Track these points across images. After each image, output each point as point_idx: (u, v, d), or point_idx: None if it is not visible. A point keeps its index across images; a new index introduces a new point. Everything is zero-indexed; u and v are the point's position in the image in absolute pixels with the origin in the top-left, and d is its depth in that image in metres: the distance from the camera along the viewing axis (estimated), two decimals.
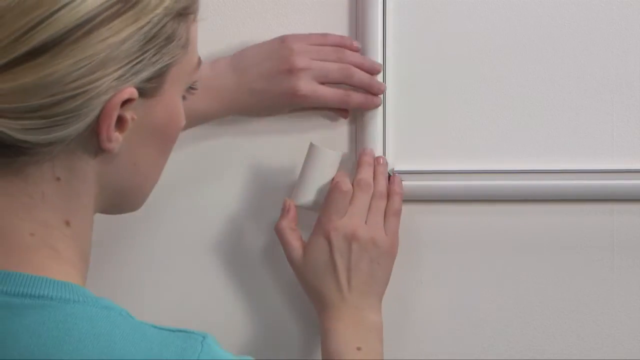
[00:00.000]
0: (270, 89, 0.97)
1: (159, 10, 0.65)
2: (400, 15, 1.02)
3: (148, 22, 0.64)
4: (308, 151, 0.98)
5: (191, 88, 0.73)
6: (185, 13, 0.68)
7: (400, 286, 1.05)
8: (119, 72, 0.63)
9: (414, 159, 1.02)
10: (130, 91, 0.64)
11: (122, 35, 0.63)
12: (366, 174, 0.98)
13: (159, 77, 0.67)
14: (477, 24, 1.03)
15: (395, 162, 1.03)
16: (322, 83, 0.98)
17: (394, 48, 1.02)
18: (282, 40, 0.98)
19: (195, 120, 0.96)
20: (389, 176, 1.01)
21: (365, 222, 0.95)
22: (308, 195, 0.98)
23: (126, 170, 0.69)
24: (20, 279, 0.63)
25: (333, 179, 0.97)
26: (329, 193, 0.96)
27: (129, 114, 0.65)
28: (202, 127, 1.01)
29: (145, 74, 0.65)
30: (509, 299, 1.04)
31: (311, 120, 1.04)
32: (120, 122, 0.65)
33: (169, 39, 0.66)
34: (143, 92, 0.66)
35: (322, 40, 0.99)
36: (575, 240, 1.03)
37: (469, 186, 1.02)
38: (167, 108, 0.69)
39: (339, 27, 1.03)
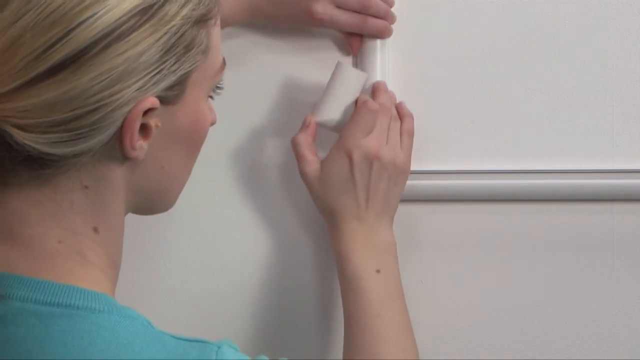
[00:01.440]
0: (288, 5, 0.96)
1: (177, 20, 0.66)
2: (400, 15, 1.02)
3: (166, 33, 0.65)
4: (335, 69, 0.97)
5: (217, 88, 0.73)
6: (204, 19, 0.69)
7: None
8: (139, 84, 0.64)
9: (414, 158, 1.02)
10: (152, 101, 0.65)
11: (139, 48, 0.63)
12: (384, 97, 0.97)
13: (179, 84, 0.67)
14: (477, 23, 1.03)
15: None
16: (339, 7, 0.97)
17: (394, 48, 1.02)
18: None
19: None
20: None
21: (383, 141, 0.94)
22: (331, 112, 0.96)
23: (154, 174, 0.70)
24: (49, 287, 0.64)
25: (358, 99, 0.96)
26: (357, 110, 0.94)
27: (152, 122, 0.66)
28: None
29: (165, 83, 0.66)
30: (509, 298, 1.04)
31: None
32: (145, 130, 0.66)
33: (189, 47, 0.67)
34: (165, 100, 0.66)
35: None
36: (575, 240, 1.03)
37: (469, 186, 1.02)
38: (191, 112, 0.70)
39: None
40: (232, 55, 1.03)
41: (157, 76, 0.65)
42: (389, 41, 1.02)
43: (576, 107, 1.02)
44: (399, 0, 1.02)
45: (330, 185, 0.93)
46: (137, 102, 0.64)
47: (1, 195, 0.66)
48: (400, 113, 0.99)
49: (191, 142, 0.72)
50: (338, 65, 0.97)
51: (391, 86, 1.02)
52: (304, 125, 0.96)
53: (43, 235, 0.66)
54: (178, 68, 0.66)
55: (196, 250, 1.07)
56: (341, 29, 0.99)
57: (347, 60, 1.03)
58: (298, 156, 0.95)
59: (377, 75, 1.01)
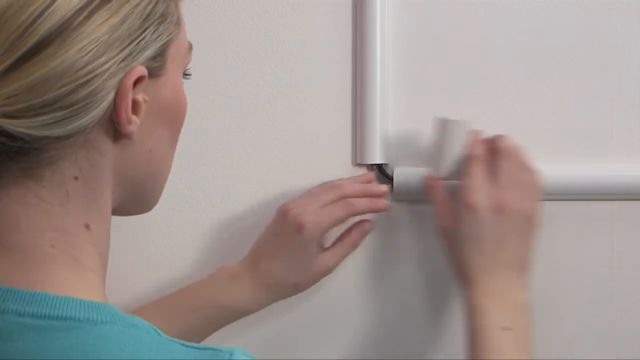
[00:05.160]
0: (288, 247, 0.95)
1: None
2: (400, 14, 1.02)
3: (142, 0, 0.65)
4: (437, 125, 0.96)
5: (186, 74, 0.73)
6: None
7: (401, 286, 1.05)
8: (125, 52, 0.64)
9: (414, 158, 1.02)
10: (141, 69, 0.65)
11: (120, 15, 0.63)
12: (506, 141, 0.93)
13: (161, 55, 0.67)
14: (476, 23, 1.03)
15: (395, 162, 1.03)
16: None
17: (394, 48, 1.02)
18: (279, 209, 0.97)
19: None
20: None
21: (512, 192, 0.90)
22: (447, 167, 0.96)
23: (142, 158, 0.69)
24: (47, 300, 0.62)
25: (467, 151, 0.94)
26: (465, 164, 0.93)
27: (140, 96, 0.66)
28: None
29: (149, 52, 0.66)
30: None
31: (310, 126, 1.05)
32: (134, 105, 0.66)
33: (164, 16, 0.67)
34: (150, 72, 0.66)
35: (317, 189, 0.98)
36: (575, 240, 1.03)
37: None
38: (173, 87, 0.70)
39: (339, 26, 1.03)
40: (231, 55, 1.04)
41: (141, 44, 0.65)
42: (389, 41, 1.02)
43: (576, 107, 1.02)
44: (399, 0, 1.02)
45: (460, 240, 0.92)
46: (127, 71, 0.64)
47: None
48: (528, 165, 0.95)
49: (174, 121, 0.72)
50: (439, 121, 0.97)
51: (391, 86, 1.02)
52: (429, 188, 0.96)
53: (35, 240, 0.64)
54: (158, 37, 0.66)
55: (197, 252, 1.07)
56: (337, 221, 0.96)
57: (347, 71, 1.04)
58: (434, 214, 0.96)
59: (377, 75, 1.01)
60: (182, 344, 0.63)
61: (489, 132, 1.02)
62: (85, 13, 0.62)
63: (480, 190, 0.91)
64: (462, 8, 1.03)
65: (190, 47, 0.73)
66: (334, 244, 0.98)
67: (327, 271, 0.97)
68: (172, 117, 0.71)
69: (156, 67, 0.67)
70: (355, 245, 0.98)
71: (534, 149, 1.02)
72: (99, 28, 0.62)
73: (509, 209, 0.90)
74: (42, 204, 0.65)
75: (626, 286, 1.03)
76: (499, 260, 0.90)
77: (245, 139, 1.05)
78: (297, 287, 0.96)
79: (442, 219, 0.95)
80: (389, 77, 1.02)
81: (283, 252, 0.95)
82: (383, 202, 0.98)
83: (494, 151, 0.93)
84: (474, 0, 1.03)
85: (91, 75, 0.62)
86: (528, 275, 0.92)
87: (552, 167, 1.01)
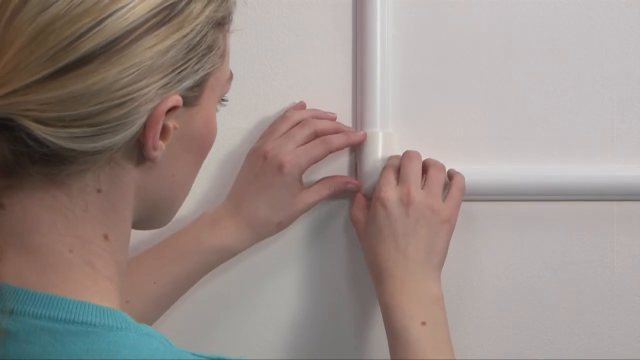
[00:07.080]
0: (269, 185, 0.97)
1: (201, 19, 0.66)
2: (400, 14, 1.02)
3: (192, 30, 0.65)
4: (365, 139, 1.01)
5: (222, 100, 0.74)
6: (223, 23, 0.69)
7: None
8: (165, 80, 0.63)
9: None
10: (176, 99, 0.65)
11: (167, 43, 0.63)
12: (412, 150, 0.99)
13: (199, 85, 0.67)
14: (477, 23, 1.03)
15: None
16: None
17: (394, 48, 1.02)
18: (255, 151, 1.00)
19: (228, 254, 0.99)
20: None
21: (422, 189, 0.95)
22: (371, 179, 1.00)
23: (165, 181, 0.69)
24: (64, 304, 0.62)
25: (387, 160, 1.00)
26: (381, 172, 0.99)
27: (171, 123, 0.66)
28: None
29: (188, 82, 0.66)
30: (509, 299, 1.04)
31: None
32: (163, 131, 0.65)
33: (210, 48, 0.67)
34: (185, 101, 0.66)
35: (285, 125, 1.00)
36: (575, 240, 1.03)
37: (469, 186, 1.01)
38: (205, 117, 0.70)
39: (339, 26, 1.03)
40: (231, 55, 1.03)
41: (182, 74, 0.65)
42: (389, 41, 1.02)
43: (576, 107, 1.03)
44: (399, 0, 1.02)
45: (373, 237, 0.95)
46: (162, 99, 0.64)
47: (14, 199, 0.64)
48: (453, 172, 1.00)
49: (201, 149, 0.72)
50: (367, 134, 1.01)
51: (391, 86, 1.02)
52: (355, 200, 1.01)
53: (54, 243, 0.64)
54: (200, 68, 0.66)
55: None
56: (316, 159, 0.99)
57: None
58: (353, 223, 1.01)
59: (378, 75, 1.01)
60: (192, 354, 0.63)
61: (489, 132, 1.03)
62: (133, 36, 0.61)
63: (389, 185, 0.96)
64: (462, 8, 1.03)
65: (231, 76, 0.73)
66: (317, 182, 1.01)
67: (307, 208, 1.00)
68: (200, 146, 0.71)
69: (192, 96, 0.67)
70: (335, 190, 1.01)
71: (534, 149, 1.03)
72: (143, 53, 0.62)
73: (415, 201, 0.94)
74: (62, 210, 0.65)
75: (626, 286, 1.03)
76: (412, 256, 0.93)
77: (245, 139, 1.05)
78: (280, 226, 0.99)
79: (357, 216, 0.99)
80: (389, 77, 1.02)
81: (265, 193, 0.97)
82: (359, 134, 1.01)
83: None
84: (473, 1, 1.03)
85: (127, 98, 0.62)
86: (440, 270, 0.94)
87: (552, 167, 1.01)
